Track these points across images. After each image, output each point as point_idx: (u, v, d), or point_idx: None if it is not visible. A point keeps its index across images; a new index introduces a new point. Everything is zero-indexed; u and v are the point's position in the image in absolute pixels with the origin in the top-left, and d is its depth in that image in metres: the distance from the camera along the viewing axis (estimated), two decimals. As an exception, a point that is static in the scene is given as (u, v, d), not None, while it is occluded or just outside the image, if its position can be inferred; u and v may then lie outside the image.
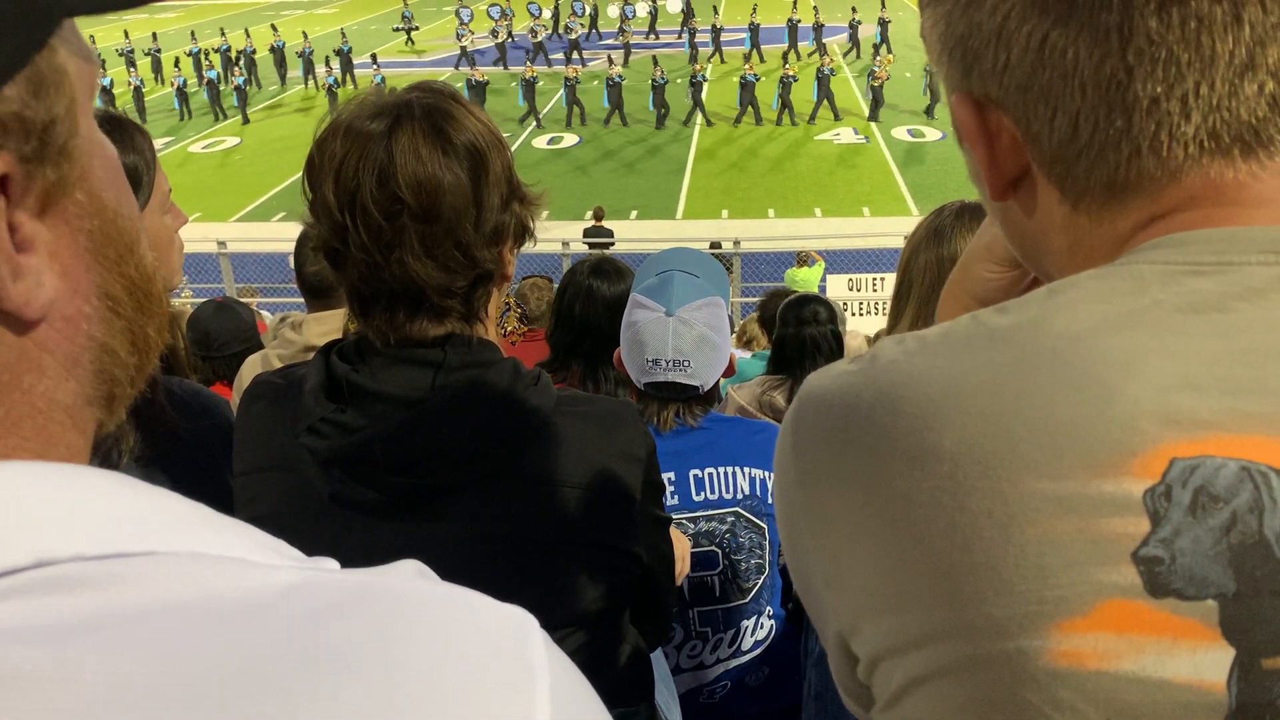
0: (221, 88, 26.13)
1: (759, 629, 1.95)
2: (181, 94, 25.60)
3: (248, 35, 28.06)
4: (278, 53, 26.71)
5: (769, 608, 1.97)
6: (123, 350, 0.45)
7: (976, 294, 0.85)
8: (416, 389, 1.09)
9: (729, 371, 1.96)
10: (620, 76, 22.79)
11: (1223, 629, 0.47)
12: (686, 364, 1.83)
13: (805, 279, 10.86)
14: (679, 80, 24.89)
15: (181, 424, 1.25)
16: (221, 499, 1.24)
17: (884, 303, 10.67)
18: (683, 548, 1.73)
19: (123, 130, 1.38)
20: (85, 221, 0.43)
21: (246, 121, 25.18)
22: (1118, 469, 0.49)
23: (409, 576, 0.45)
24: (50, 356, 0.42)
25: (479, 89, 22.73)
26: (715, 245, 11.66)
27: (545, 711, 0.39)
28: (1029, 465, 0.51)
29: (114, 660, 0.34)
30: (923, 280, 1.81)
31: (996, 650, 0.50)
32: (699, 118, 22.74)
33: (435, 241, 1.07)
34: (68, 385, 0.43)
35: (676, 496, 1.88)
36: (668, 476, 1.86)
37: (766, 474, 1.92)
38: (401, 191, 1.05)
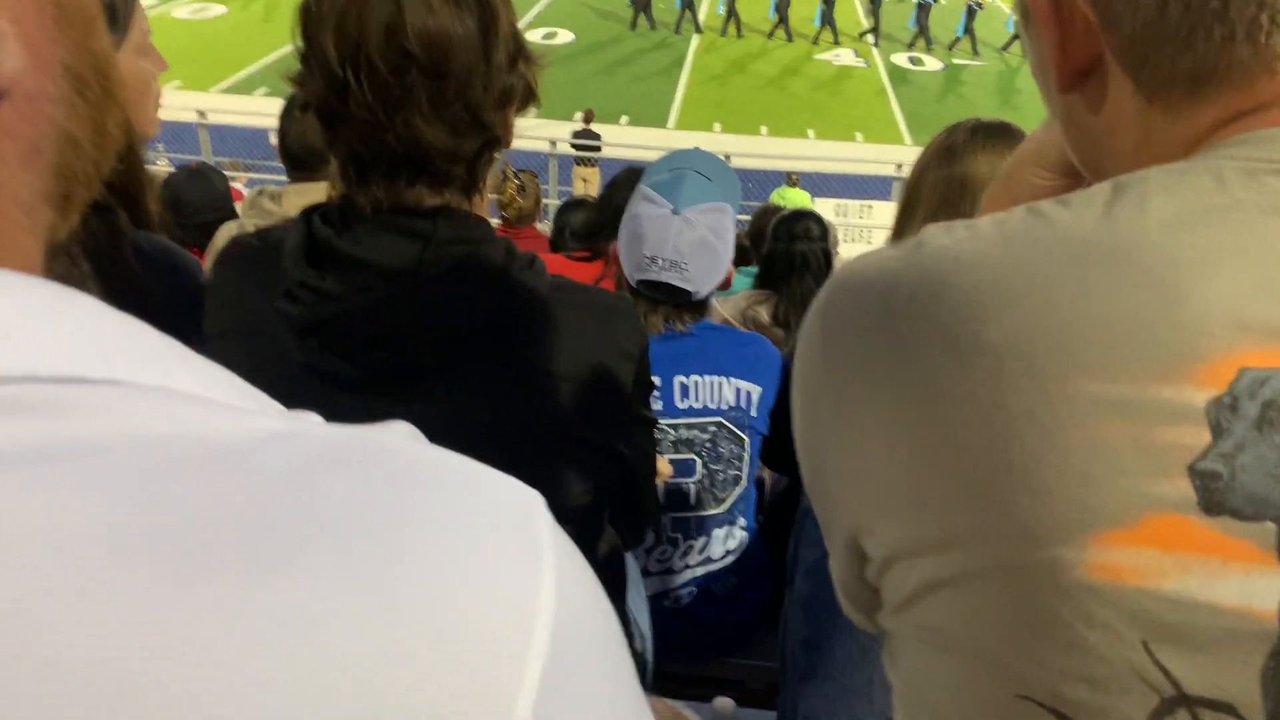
0: None
1: (730, 539, 1.95)
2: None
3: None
4: None
5: (742, 519, 1.96)
6: (86, 140, 0.39)
7: (1022, 200, 0.80)
8: (403, 260, 1.03)
9: (725, 284, 1.91)
10: None
11: (1279, 554, 0.44)
12: (684, 266, 1.78)
13: (795, 198, 10.76)
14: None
15: (148, 280, 1.19)
16: (191, 362, 1.19)
17: (870, 230, 10.61)
18: (664, 469, 1.71)
19: None
20: None
21: None
22: (1180, 375, 0.45)
23: (403, 437, 0.40)
24: (9, 142, 0.36)
25: None
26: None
27: (550, 598, 0.35)
28: (1081, 365, 0.46)
29: (64, 498, 0.29)
30: (931, 198, 1.75)
31: (1028, 559, 0.47)
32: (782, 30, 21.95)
33: (445, 101, 1.00)
34: (25, 178, 0.37)
35: (660, 402, 1.85)
36: (653, 381, 1.83)
37: (753, 386, 1.89)
38: (410, 45, 0.97)
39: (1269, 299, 0.46)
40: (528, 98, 1.10)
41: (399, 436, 0.40)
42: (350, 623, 0.30)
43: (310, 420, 0.39)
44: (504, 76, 1.04)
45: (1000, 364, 0.48)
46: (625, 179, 3.13)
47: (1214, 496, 0.44)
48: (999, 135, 1.74)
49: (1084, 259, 0.49)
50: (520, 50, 1.07)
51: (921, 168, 1.81)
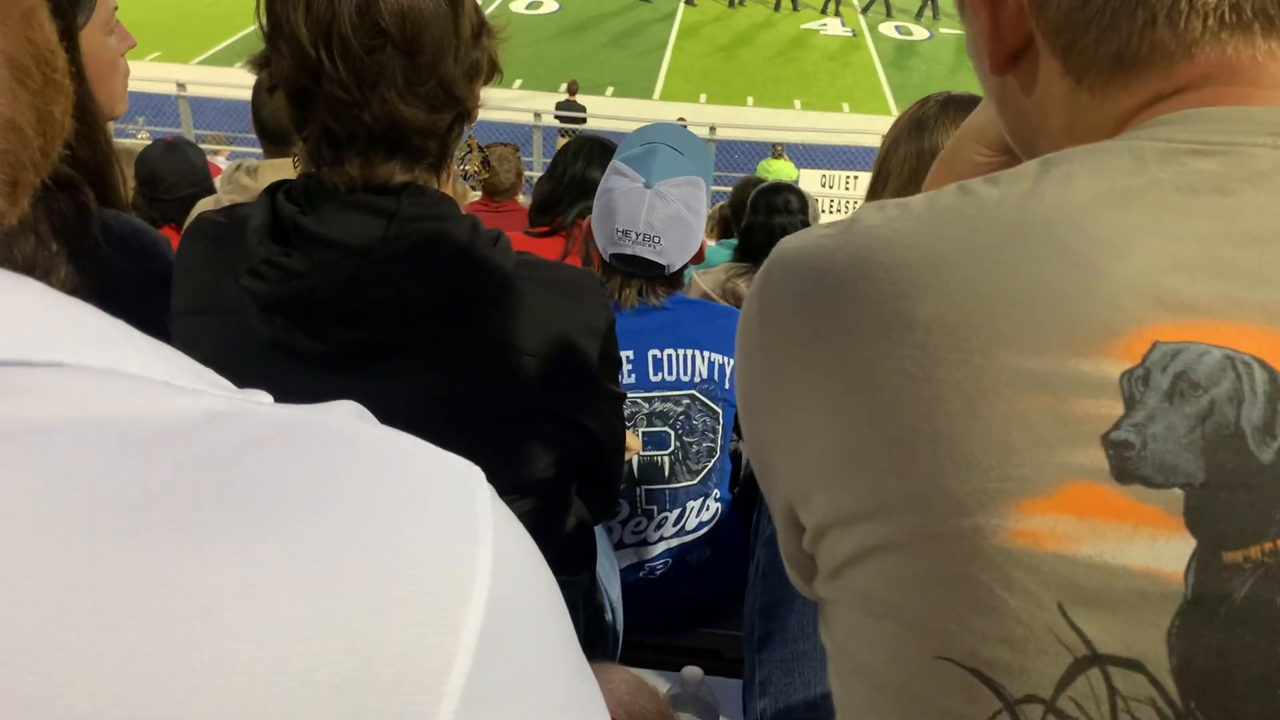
0: None
1: (705, 510, 1.97)
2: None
3: None
4: None
5: (717, 490, 1.98)
6: (29, 128, 0.40)
7: (964, 177, 0.82)
8: (368, 237, 1.04)
9: (698, 257, 1.92)
10: None
11: (1186, 519, 0.45)
12: (657, 240, 1.79)
13: (780, 170, 10.73)
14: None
15: (116, 260, 1.19)
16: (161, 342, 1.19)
17: (856, 202, 10.60)
18: (633, 444, 1.72)
19: None
20: None
21: None
22: (1097, 348, 0.47)
23: (347, 417, 0.41)
24: None
25: None
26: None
27: (487, 568, 0.36)
28: (1004, 339, 0.48)
29: (8, 476, 0.30)
30: (901, 172, 1.76)
31: (951, 526, 0.48)
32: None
33: (420, 78, 1.01)
34: None
35: (634, 375, 1.86)
36: (626, 355, 1.84)
37: (726, 359, 1.91)
38: (384, 20, 0.97)
39: (1182, 275, 0.47)
40: (491, 70, 1.11)
41: (343, 415, 0.41)
42: (284, 593, 0.31)
43: (259, 399, 0.40)
44: (471, 50, 1.05)
45: (928, 338, 0.49)
46: (576, 148, 3.11)
47: (1126, 465, 0.46)
48: (969, 108, 1.75)
49: (1010, 236, 0.50)
50: (483, 23, 1.08)
51: (892, 140, 1.82)
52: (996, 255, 0.50)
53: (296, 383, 1.05)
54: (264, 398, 0.41)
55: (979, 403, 0.48)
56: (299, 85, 1.02)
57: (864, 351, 0.51)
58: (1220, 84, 0.53)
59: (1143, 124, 0.54)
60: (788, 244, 0.58)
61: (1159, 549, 0.45)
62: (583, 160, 3.03)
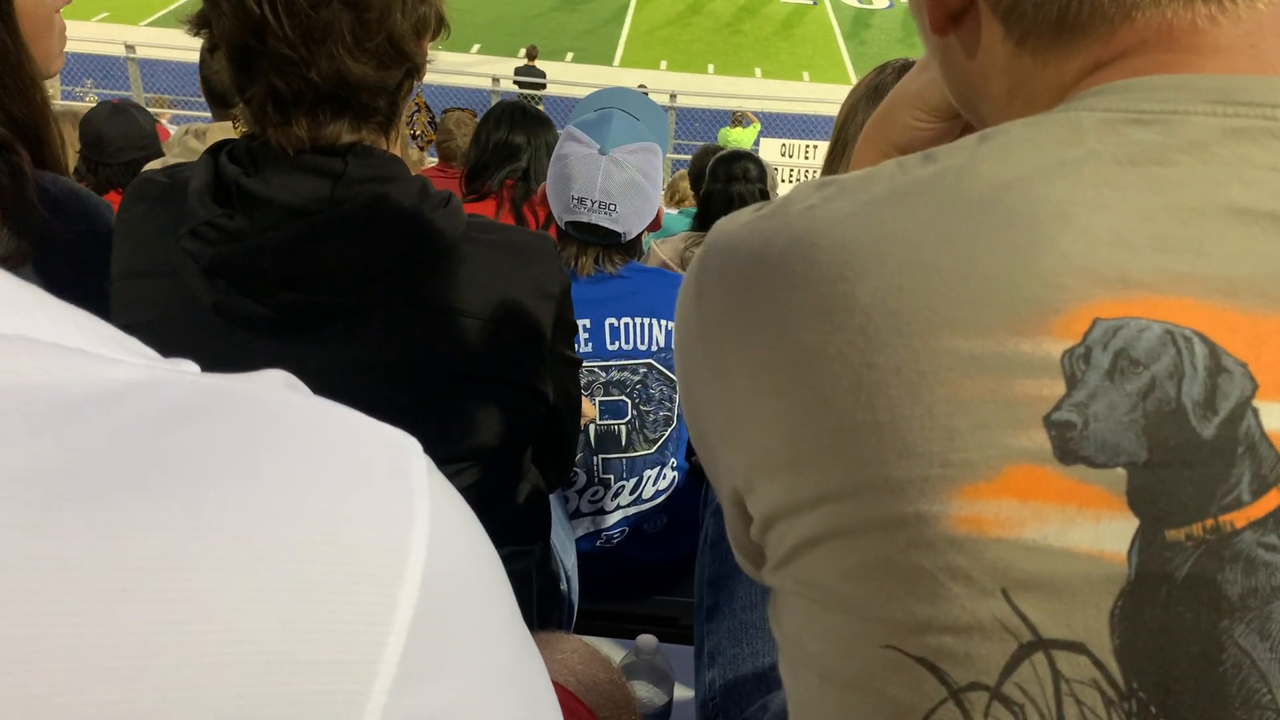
0: None
1: (661, 479, 1.97)
2: None
3: None
4: None
5: (673, 459, 1.98)
6: None
7: (899, 143, 0.80)
8: (313, 199, 1.01)
9: (655, 225, 1.91)
10: None
11: (1129, 498, 0.45)
12: (613, 207, 1.77)
13: (739, 140, 10.69)
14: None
15: (54, 223, 1.15)
16: (100, 307, 1.16)
17: (815, 171, 10.61)
18: (588, 410, 1.71)
19: None
20: None
21: None
22: (1037, 328, 0.46)
23: (275, 385, 0.39)
24: None
25: None
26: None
27: (423, 542, 0.34)
28: (944, 321, 0.47)
29: None
30: (859, 139, 1.75)
31: (894, 514, 0.47)
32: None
33: (368, 33, 0.98)
34: None
35: (591, 344, 1.85)
36: (583, 323, 1.83)
37: (682, 327, 1.90)
38: None
39: (1121, 249, 0.46)
40: (438, 26, 1.08)
41: (271, 384, 0.39)
42: (206, 569, 0.30)
43: (184, 368, 0.38)
44: (419, 5, 1.03)
45: (869, 322, 0.48)
46: (497, 116, 3.16)
47: (1068, 446, 0.45)
48: (929, 76, 1.74)
49: (947, 215, 0.49)
50: None
51: (850, 108, 1.81)
52: (935, 235, 0.49)
53: (240, 348, 1.03)
54: (190, 367, 0.38)
55: (920, 388, 0.47)
56: (242, 44, 0.98)
57: (804, 337, 0.50)
58: (1159, 50, 0.52)
59: (1082, 93, 0.53)
60: (723, 228, 0.57)
61: (1102, 530, 0.45)
62: (505, 127, 3.10)
